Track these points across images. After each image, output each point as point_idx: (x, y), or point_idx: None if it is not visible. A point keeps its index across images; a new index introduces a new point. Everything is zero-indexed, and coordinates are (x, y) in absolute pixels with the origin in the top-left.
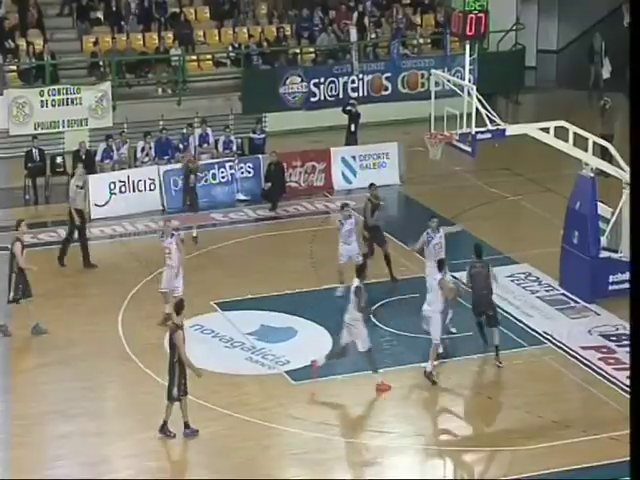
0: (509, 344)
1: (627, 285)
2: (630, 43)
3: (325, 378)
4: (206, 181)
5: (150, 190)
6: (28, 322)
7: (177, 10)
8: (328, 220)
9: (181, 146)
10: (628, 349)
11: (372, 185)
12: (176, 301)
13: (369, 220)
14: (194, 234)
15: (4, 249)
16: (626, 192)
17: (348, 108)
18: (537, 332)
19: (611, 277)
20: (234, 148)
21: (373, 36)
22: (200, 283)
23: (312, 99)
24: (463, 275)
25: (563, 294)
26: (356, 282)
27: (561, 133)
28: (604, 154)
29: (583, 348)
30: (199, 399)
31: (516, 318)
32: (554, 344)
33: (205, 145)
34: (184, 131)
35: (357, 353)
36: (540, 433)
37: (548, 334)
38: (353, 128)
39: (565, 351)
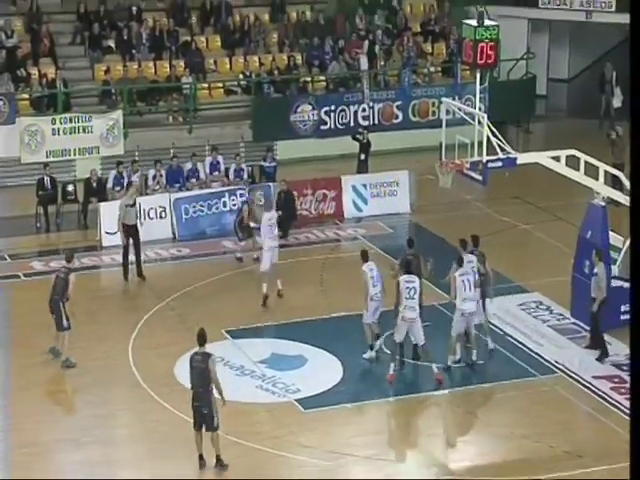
0: (520, 373)
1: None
2: (630, 43)
3: (335, 406)
4: (217, 209)
5: (161, 218)
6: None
7: (188, 38)
8: (338, 248)
9: (192, 178)
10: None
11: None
12: (198, 332)
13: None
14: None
15: (15, 277)
16: None
17: (358, 136)
18: (548, 361)
19: (622, 307)
20: (245, 176)
21: (384, 64)
22: (211, 311)
23: (323, 127)
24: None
25: (574, 323)
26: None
27: (572, 162)
28: (615, 183)
29: (595, 377)
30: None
31: (527, 347)
32: (565, 373)
33: (216, 173)
34: (189, 164)
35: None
36: (551, 463)
37: (559, 363)
38: (364, 156)
39: (576, 380)
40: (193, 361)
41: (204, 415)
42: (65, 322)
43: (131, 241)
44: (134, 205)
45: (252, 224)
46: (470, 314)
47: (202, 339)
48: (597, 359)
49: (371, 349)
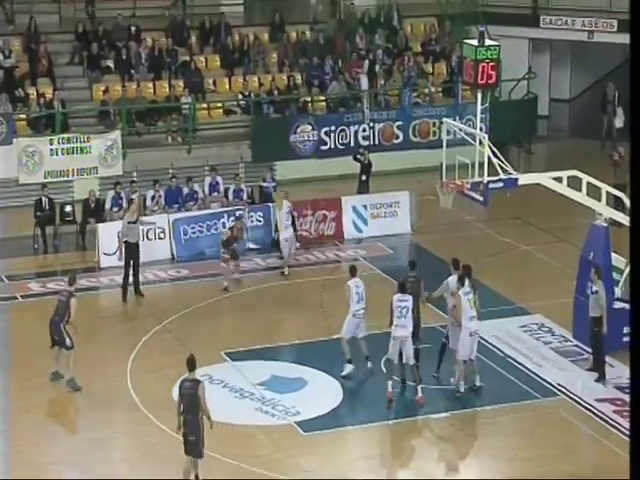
0: (522, 395)
1: None
2: (630, 44)
3: (335, 429)
4: (216, 229)
5: (159, 239)
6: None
7: (187, 58)
8: (339, 269)
9: (191, 201)
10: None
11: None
12: (188, 358)
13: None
14: (225, 284)
15: (12, 298)
16: None
17: (359, 157)
18: (550, 384)
19: (625, 328)
20: (244, 197)
21: (384, 84)
22: (210, 332)
23: (323, 147)
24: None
25: (576, 345)
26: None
27: (574, 182)
28: (617, 204)
29: (597, 400)
30: (207, 450)
31: (529, 369)
32: (567, 396)
33: (215, 194)
34: (186, 189)
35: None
36: None
37: (561, 386)
38: (365, 177)
39: (579, 403)
40: (182, 387)
41: (191, 443)
42: (68, 341)
43: (131, 261)
44: (136, 222)
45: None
46: (476, 332)
47: (192, 365)
48: (596, 380)
49: (349, 363)
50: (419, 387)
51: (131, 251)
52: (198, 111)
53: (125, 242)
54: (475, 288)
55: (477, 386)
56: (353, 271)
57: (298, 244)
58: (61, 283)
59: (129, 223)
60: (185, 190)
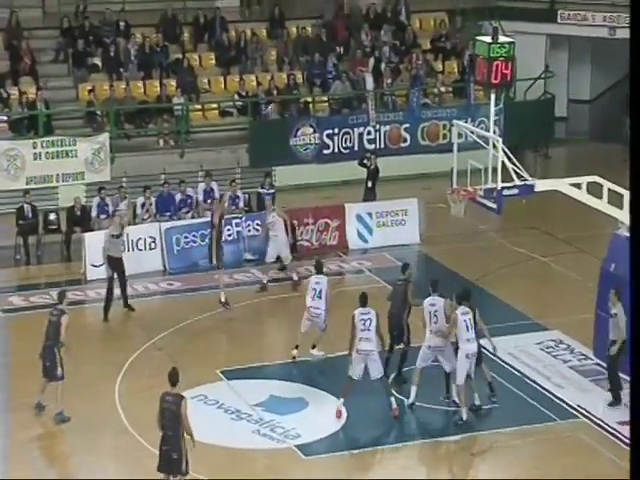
0: (539, 417)
1: None
2: (630, 44)
3: (338, 453)
4: (210, 239)
5: (150, 249)
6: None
7: (180, 56)
8: (342, 282)
9: (185, 207)
10: None
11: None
12: (170, 371)
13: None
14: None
15: None
16: None
17: (365, 162)
18: (569, 405)
19: None
20: (241, 204)
21: (390, 84)
22: (204, 349)
23: (325, 151)
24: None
25: (597, 364)
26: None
27: (594, 189)
28: None
29: (620, 423)
30: (201, 475)
31: (546, 390)
32: (588, 418)
33: (210, 200)
34: (179, 195)
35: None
36: None
37: (582, 407)
38: (371, 184)
39: (600, 426)
40: (164, 402)
41: (173, 460)
42: (59, 371)
43: (115, 275)
44: (120, 236)
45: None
46: (473, 355)
47: (174, 379)
48: (609, 405)
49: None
50: (392, 399)
51: (114, 266)
52: (192, 112)
53: (108, 257)
54: (473, 309)
55: (477, 405)
56: (363, 300)
57: (283, 258)
58: (45, 297)
59: (112, 237)
60: (178, 196)
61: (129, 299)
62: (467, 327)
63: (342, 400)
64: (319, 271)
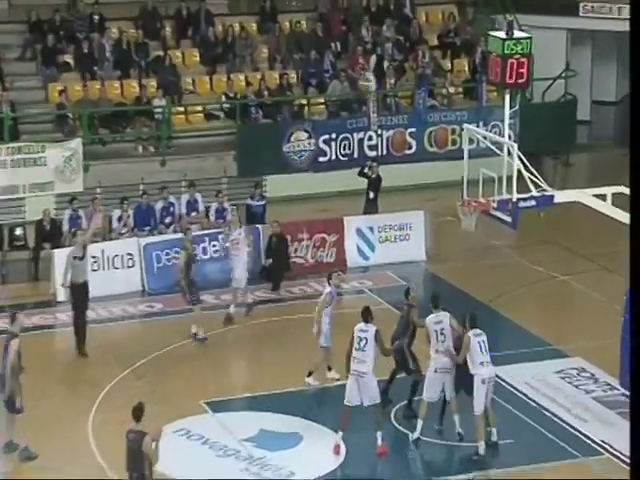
0: (559, 454)
1: None
2: (630, 43)
3: None
4: (195, 256)
5: (128, 267)
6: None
7: (161, 53)
8: (340, 303)
9: (167, 217)
10: None
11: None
12: (135, 405)
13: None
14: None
15: None
16: None
17: (367, 171)
18: (593, 440)
19: None
20: (228, 217)
21: (394, 84)
22: (187, 378)
23: (321, 159)
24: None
25: (624, 394)
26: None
27: (620, 200)
28: None
29: None
30: None
31: (567, 423)
32: (613, 455)
33: (194, 214)
34: (160, 203)
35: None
36: None
37: (606, 443)
38: (373, 195)
39: (627, 464)
40: (127, 440)
41: None
42: (18, 403)
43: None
44: (83, 258)
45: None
46: (490, 380)
47: (137, 413)
48: None
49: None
50: (378, 433)
51: (76, 294)
52: (174, 116)
53: (73, 283)
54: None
55: (493, 441)
56: (366, 315)
57: (236, 279)
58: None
59: (74, 259)
60: (159, 204)
61: (102, 323)
62: (481, 350)
63: (341, 434)
64: (367, 319)
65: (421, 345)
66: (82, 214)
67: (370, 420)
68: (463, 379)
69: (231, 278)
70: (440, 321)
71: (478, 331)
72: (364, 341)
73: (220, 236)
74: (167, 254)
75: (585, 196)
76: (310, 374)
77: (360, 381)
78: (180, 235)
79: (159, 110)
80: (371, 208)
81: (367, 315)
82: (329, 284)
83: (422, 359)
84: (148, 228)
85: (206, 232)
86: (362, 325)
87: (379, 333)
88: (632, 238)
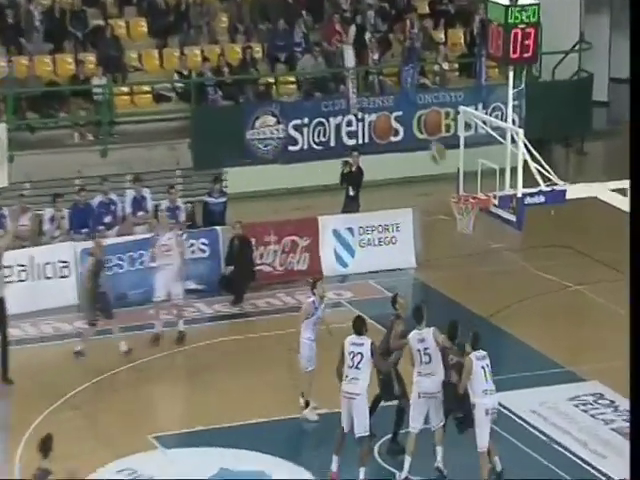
0: None
1: None
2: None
3: None
4: (142, 263)
5: (62, 277)
6: None
7: (101, 23)
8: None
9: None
10: None
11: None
12: (42, 438)
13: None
14: (124, 347)
15: None
16: None
17: (346, 160)
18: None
19: None
20: (182, 217)
21: (377, 59)
22: (132, 409)
23: (292, 148)
24: None
25: None
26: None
27: None
28: None
29: None
30: None
31: (582, 459)
32: None
33: (140, 213)
34: (99, 198)
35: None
36: None
37: None
38: (354, 191)
39: None
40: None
41: None
42: None
43: None
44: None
45: (191, 285)
46: (494, 411)
47: (44, 447)
48: None
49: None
50: (361, 469)
51: None
52: (116, 97)
53: None
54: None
55: (498, 472)
56: (358, 326)
57: (174, 295)
58: None
59: None
60: (96, 200)
61: (30, 344)
62: (485, 376)
63: (336, 459)
64: (360, 331)
65: (407, 366)
66: (7, 213)
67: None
68: (455, 404)
69: (197, 287)
70: (423, 339)
71: (482, 353)
72: (358, 357)
73: (187, 239)
74: (109, 261)
75: (602, 190)
76: (307, 405)
77: (352, 406)
78: (130, 238)
79: (99, 90)
80: (351, 206)
81: (360, 326)
82: (313, 293)
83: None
84: (86, 231)
85: (155, 235)
86: (354, 338)
87: (375, 346)
88: (632, 238)
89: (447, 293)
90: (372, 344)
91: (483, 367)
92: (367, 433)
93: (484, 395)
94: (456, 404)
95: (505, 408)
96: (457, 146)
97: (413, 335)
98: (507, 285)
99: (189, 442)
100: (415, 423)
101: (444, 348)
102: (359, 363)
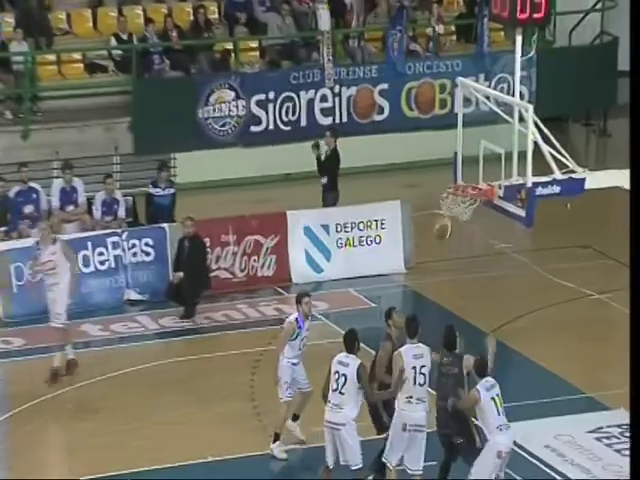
0: None
1: None
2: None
3: None
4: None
5: None
6: None
7: None
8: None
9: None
10: None
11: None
12: None
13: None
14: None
15: None
16: None
17: (318, 141)
18: None
19: None
20: (121, 212)
21: (358, 21)
22: (60, 445)
23: (254, 128)
24: None
25: None
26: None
27: None
28: None
29: None
30: None
31: None
32: None
33: (71, 207)
34: (16, 188)
35: None
36: None
37: None
38: (327, 180)
39: None
40: None
41: None
42: None
43: None
44: None
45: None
46: (507, 454)
47: None
48: None
49: None
50: None
51: None
52: (40, 67)
53: None
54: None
55: None
56: (350, 341)
57: (53, 316)
58: None
59: None
60: (13, 191)
61: None
62: (497, 410)
63: None
64: (350, 348)
65: None
66: None
67: None
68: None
69: (139, 297)
70: (421, 355)
71: (490, 382)
72: (342, 379)
73: (110, 239)
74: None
75: (629, 179)
76: (277, 438)
77: (336, 436)
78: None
79: (19, 59)
80: (327, 199)
81: (352, 342)
82: (298, 310)
83: None
84: (4, 229)
85: (88, 234)
86: (342, 356)
87: (363, 369)
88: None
89: (443, 303)
90: (359, 366)
91: (493, 398)
92: (358, 466)
93: (499, 432)
94: (454, 425)
95: (513, 443)
96: (454, 126)
97: (407, 349)
98: (515, 293)
99: None
100: (394, 457)
101: (468, 373)
102: (343, 386)
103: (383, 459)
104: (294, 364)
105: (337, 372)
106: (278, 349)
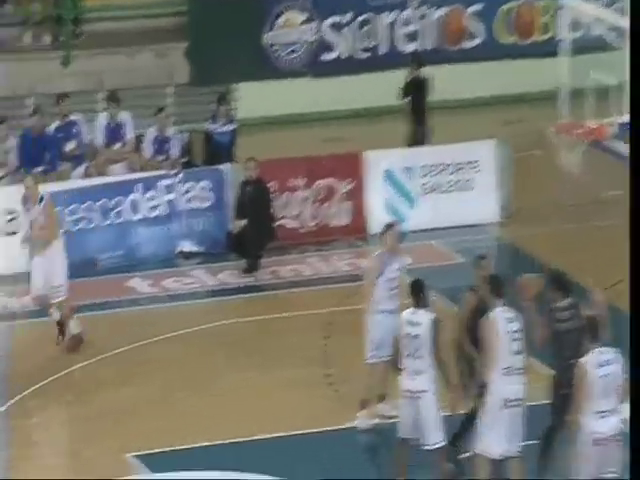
0: None
1: None
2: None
3: None
4: (120, 215)
5: (9, 235)
6: None
7: None
8: (359, 292)
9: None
10: None
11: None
12: None
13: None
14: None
15: None
16: None
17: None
18: None
19: None
20: (174, 151)
21: None
22: (105, 417)
23: (326, 56)
24: None
25: None
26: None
27: None
28: None
29: None
30: None
31: None
32: None
33: (117, 145)
34: (56, 122)
35: None
36: None
37: None
38: (415, 115)
39: None
40: None
41: None
42: None
43: None
44: None
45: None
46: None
47: None
48: None
49: None
50: None
51: None
52: None
53: None
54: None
55: None
56: (417, 292)
57: (50, 290)
58: None
59: None
60: (52, 127)
61: None
62: (605, 389)
63: None
64: (418, 302)
65: None
66: None
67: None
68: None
69: (194, 249)
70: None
71: (604, 355)
72: (415, 341)
73: (162, 182)
74: (72, 213)
75: None
76: (364, 406)
77: (418, 404)
78: (95, 181)
79: None
80: (415, 136)
81: (418, 294)
82: (383, 243)
83: None
84: (41, 168)
85: (137, 176)
86: (410, 313)
87: (437, 324)
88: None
89: (543, 257)
90: (435, 321)
91: (603, 377)
92: (440, 443)
93: (598, 418)
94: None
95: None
96: (558, 53)
97: (499, 312)
98: (625, 248)
99: (179, 462)
100: (496, 445)
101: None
102: (419, 349)
103: (479, 451)
104: (388, 313)
105: (408, 334)
106: (365, 295)
